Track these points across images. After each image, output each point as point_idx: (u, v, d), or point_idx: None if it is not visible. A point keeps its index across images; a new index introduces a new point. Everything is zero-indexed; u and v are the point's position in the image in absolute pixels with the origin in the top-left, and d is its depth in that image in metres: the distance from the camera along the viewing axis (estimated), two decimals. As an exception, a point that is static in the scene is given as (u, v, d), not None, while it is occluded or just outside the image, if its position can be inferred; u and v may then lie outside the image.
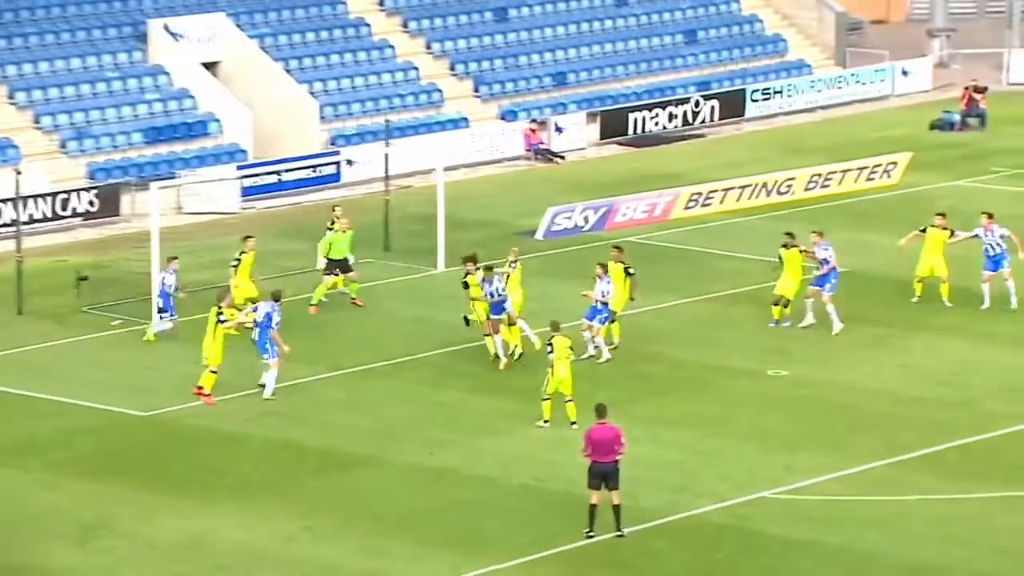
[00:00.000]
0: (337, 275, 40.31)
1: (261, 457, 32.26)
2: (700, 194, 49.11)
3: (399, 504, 30.45)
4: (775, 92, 60.97)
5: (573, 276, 41.33)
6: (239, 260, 39.11)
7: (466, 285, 36.98)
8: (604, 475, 28.67)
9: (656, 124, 58.39)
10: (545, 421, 33.26)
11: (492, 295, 36.35)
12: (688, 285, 41.55)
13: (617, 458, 28.71)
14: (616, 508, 28.86)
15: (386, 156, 46.95)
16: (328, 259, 40.42)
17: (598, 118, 57.46)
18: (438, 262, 43.27)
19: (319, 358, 37.19)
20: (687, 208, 48.84)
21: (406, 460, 32.23)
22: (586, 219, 47.37)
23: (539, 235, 46.75)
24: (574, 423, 32.92)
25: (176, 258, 38.89)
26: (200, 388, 34.56)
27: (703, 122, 59.33)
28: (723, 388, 35.72)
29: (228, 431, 33.42)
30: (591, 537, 28.83)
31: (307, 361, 36.69)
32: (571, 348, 33.29)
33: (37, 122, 50.29)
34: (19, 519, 29.61)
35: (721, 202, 49.27)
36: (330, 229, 40.65)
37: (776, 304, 38.74)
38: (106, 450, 32.63)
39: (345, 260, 40.49)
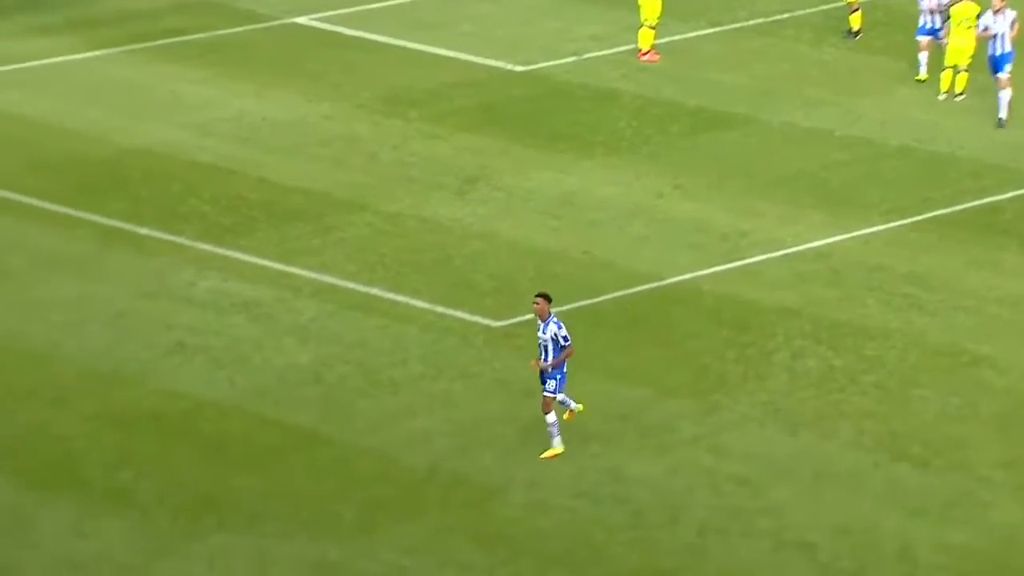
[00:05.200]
0: None
1: (635, 114, 32.28)
2: None
3: (772, 164, 30.20)
4: None
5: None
6: None
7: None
8: None
9: None
10: (944, 93, 32.19)
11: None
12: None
13: None
14: None
15: None
16: None
17: None
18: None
19: (697, 14, 36.69)
20: None
21: (781, 119, 31.84)
22: None
23: None
24: (960, 94, 31.89)
25: None
26: (641, 50, 34.32)
27: None
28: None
29: (603, 87, 33.46)
30: None
31: (683, 17, 36.25)
32: (976, 17, 31.64)
33: None
34: (400, 168, 30.39)
35: None
36: None
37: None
38: (485, 103, 33.07)
39: None
